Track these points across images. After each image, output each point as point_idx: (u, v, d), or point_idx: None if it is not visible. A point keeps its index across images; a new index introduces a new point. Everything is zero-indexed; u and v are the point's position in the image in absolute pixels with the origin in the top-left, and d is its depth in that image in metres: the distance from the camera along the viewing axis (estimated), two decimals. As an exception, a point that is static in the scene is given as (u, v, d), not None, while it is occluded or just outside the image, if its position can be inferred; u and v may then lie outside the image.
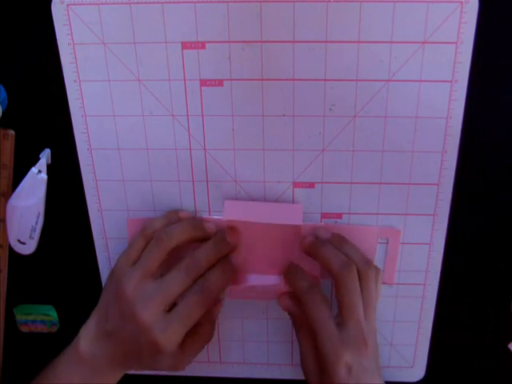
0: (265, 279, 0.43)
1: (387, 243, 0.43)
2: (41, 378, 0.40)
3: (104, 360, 0.39)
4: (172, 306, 0.38)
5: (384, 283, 0.44)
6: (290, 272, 0.41)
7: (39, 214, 0.43)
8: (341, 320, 0.38)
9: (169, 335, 0.36)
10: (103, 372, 0.39)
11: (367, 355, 0.37)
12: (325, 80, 0.38)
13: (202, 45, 0.37)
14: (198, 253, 0.38)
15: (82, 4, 0.37)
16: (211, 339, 0.41)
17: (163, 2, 0.36)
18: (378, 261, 0.43)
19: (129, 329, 0.37)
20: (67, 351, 0.40)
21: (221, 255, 0.39)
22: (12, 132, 0.42)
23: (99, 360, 0.38)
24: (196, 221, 0.41)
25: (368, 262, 0.40)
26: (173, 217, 0.41)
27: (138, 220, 0.43)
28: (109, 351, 0.38)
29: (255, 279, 0.43)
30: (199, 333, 0.40)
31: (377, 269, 0.41)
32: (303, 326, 0.40)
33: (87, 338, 0.39)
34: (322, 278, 0.44)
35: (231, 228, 0.40)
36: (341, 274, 0.38)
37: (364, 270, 0.39)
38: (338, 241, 0.41)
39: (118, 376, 0.41)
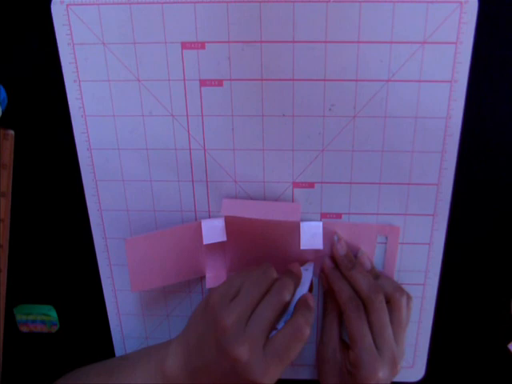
0: None
1: (386, 242, 0.43)
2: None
3: None
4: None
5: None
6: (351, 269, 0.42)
7: None
8: (374, 340, 0.39)
9: (270, 376, 0.34)
10: None
11: (394, 377, 0.40)
12: (325, 80, 0.38)
13: (201, 45, 0.37)
14: (284, 288, 0.37)
15: (82, 4, 0.37)
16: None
17: (163, 2, 0.36)
18: (377, 259, 0.43)
19: (224, 366, 0.34)
20: (149, 368, 0.38)
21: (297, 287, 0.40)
22: (12, 132, 0.42)
23: None
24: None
25: (399, 290, 0.41)
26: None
27: (136, 239, 0.43)
28: None
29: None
30: None
31: (408, 296, 0.41)
32: (333, 312, 0.43)
33: (174, 364, 0.37)
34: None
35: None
36: (372, 298, 0.39)
37: (395, 297, 0.40)
38: (370, 266, 0.43)
39: None
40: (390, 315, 0.40)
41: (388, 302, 0.40)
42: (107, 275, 0.47)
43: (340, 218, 0.42)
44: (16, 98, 0.41)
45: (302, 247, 0.42)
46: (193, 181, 0.42)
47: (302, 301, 0.38)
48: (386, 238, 0.43)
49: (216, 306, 0.35)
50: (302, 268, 0.41)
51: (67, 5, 0.37)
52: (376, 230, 0.42)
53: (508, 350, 0.46)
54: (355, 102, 0.38)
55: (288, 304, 0.37)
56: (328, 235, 0.43)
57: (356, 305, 0.40)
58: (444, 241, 0.43)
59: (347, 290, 0.41)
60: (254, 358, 0.34)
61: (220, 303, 0.36)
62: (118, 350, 0.50)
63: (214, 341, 0.35)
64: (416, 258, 0.43)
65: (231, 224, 0.42)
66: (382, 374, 0.38)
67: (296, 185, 0.42)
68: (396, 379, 0.48)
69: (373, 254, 0.43)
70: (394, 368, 0.39)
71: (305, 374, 0.49)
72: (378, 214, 0.42)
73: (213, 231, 0.43)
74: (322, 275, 0.44)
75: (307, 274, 0.41)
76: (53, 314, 0.49)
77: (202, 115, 0.40)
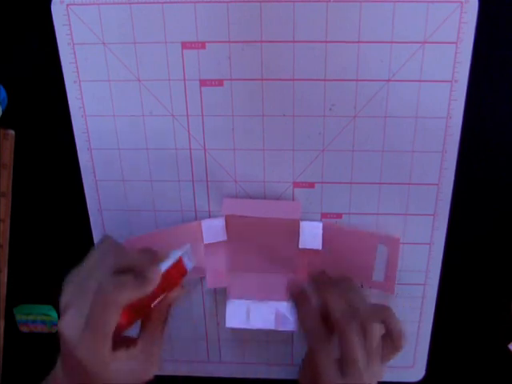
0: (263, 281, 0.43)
1: (387, 250, 0.43)
2: None
3: None
4: None
5: (384, 292, 0.44)
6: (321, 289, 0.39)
7: None
8: (343, 367, 0.36)
9: (88, 346, 0.32)
10: None
11: None
12: (325, 80, 0.38)
13: (201, 45, 0.37)
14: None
15: (82, 4, 0.37)
16: (161, 343, 0.36)
17: (163, 2, 0.36)
18: (377, 267, 0.43)
19: (62, 353, 0.34)
20: None
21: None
22: (12, 132, 0.42)
23: None
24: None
25: (372, 316, 0.37)
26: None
27: (136, 239, 0.43)
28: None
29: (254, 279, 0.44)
30: (148, 330, 0.36)
31: (392, 328, 0.38)
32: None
33: None
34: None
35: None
36: (342, 323, 0.36)
37: (367, 323, 0.37)
38: (346, 286, 0.39)
39: None
40: (365, 341, 0.37)
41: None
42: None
43: (340, 217, 0.42)
44: (16, 98, 0.41)
45: (300, 246, 0.42)
46: (193, 181, 0.42)
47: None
48: (386, 247, 0.42)
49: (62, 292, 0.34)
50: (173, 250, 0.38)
51: (67, 5, 0.37)
52: (376, 240, 0.42)
53: (508, 349, 0.46)
54: (355, 102, 0.38)
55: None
56: (327, 236, 0.42)
57: (319, 334, 0.37)
58: (444, 241, 0.43)
59: (311, 319, 0.38)
60: (71, 330, 0.32)
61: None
62: (118, 350, 0.50)
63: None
64: (416, 258, 0.43)
65: (232, 223, 0.42)
66: None
67: (296, 185, 0.42)
68: (396, 379, 0.49)
69: (373, 265, 0.43)
70: None
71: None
72: (378, 213, 0.42)
73: (213, 231, 0.43)
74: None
75: (174, 254, 0.37)
76: (53, 314, 0.49)
77: (203, 115, 0.40)
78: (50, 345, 0.51)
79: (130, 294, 0.33)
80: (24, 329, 0.50)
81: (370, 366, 0.37)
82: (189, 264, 0.38)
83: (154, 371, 0.35)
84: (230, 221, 0.42)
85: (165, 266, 0.35)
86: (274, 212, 0.41)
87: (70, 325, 0.32)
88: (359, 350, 0.36)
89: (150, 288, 0.34)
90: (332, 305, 0.37)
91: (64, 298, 0.33)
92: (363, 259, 0.43)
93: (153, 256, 0.36)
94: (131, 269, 0.34)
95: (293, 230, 0.42)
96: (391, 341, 0.38)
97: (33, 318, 0.50)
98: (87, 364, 0.32)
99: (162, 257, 0.36)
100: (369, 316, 0.37)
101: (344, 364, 0.36)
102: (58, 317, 0.49)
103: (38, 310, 0.49)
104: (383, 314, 0.38)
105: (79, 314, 0.32)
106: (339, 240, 0.43)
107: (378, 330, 0.38)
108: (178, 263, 0.37)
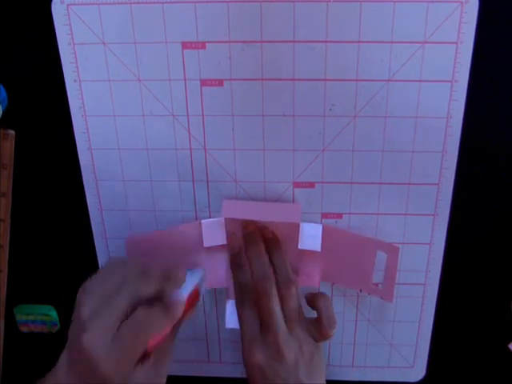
0: None
1: (386, 257, 0.42)
2: None
3: None
4: None
5: (382, 299, 0.44)
6: (252, 252, 0.41)
7: None
8: (262, 325, 0.39)
9: (113, 364, 0.33)
10: None
11: (284, 366, 0.38)
12: (325, 80, 0.38)
13: (202, 45, 0.37)
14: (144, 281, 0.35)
15: (82, 4, 0.37)
16: (170, 358, 0.37)
17: (163, 2, 0.36)
18: (377, 273, 0.43)
19: (78, 364, 0.34)
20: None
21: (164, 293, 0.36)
22: (12, 132, 0.42)
23: None
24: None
25: (289, 282, 0.39)
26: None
27: (137, 237, 0.43)
28: None
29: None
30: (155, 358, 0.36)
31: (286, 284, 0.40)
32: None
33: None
34: (322, 279, 0.44)
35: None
36: (259, 284, 0.39)
37: (284, 288, 0.39)
38: (272, 246, 0.41)
39: None
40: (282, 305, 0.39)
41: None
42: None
43: (340, 217, 0.42)
44: (16, 98, 0.41)
45: (299, 247, 0.42)
46: (193, 181, 0.42)
47: (168, 301, 0.36)
48: (386, 254, 0.42)
49: (79, 301, 0.35)
50: (189, 271, 0.39)
51: (67, 5, 0.37)
52: (375, 246, 0.42)
53: (508, 349, 0.46)
54: (355, 102, 0.38)
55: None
56: (327, 238, 0.42)
57: (241, 291, 0.40)
58: (444, 241, 0.43)
59: (240, 276, 0.41)
60: (98, 346, 0.33)
61: (83, 298, 0.35)
62: (118, 350, 0.50)
63: (72, 336, 0.34)
64: (416, 257, 0.43)
65: (231, 223, 0.42)
66: (262, 356, 0.38)
67: (296, 185, 0.42)
68: (396, 379, 0.49)
69: (371, 271, 0.42)
70: (277, 354, 0.38)
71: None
72: (378, 213, 0.42)
73: (213, 233, 0.43)
74: None
75: (191, 279, 0.38)
76: (53, 314, 0.49)
77: (203, 115, 0.40)
78: (49, 345, 0.51)
79: (160, 328, 0.34)
80: (24, 329, 0.50)
81: (293, 331, 0.39)
82: (202, 290, 0.39)
83: (163, 383, 0.37)
84: (229, 223, 0.42)
85: (185, 293, 0.36)
86: (274, 215, 0.41)
87: (96, 340, 0.33)
88: (273, 311, 0.38)
89: (176, 320, 0.35)
90: (253, 266, 0.40)
91: (86, 310, 0.34)
92: (362, 264, 0.43)
93: (174, 282, 0.37)
94: (156, 296, 0.35)
95: (292, 231, 0.42)
96: (320, 327, 0.40)
97: (33, 318, 0.50)
98: (110, 377, 0.33)
99: (181, 280, 0.37)
100: (286, 282, 0.39)
101: (261, 321, 0.39)
102: (58, 317, 0.50)
103: (38, 310, 0.49)
104: (318, 299, 0.40)
105: (105, 329, 0.33)
106: (339, 243, 0.42)
107: (296, 298, 0.39)
108: (194, 291, 0.38)
